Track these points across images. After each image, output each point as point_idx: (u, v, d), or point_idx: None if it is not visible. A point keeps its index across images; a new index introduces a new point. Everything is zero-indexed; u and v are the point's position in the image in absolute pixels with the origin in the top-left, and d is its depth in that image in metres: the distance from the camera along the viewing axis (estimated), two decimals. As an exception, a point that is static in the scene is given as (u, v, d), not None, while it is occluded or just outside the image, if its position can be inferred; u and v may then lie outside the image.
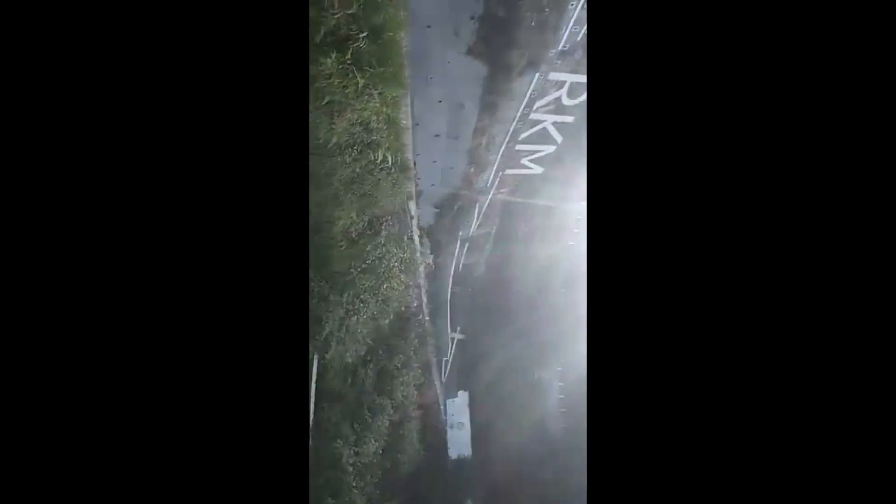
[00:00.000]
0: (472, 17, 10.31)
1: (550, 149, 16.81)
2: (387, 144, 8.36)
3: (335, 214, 8.68)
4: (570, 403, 22.33)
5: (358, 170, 8.16)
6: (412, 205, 11.86)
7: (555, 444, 21.68)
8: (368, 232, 9.76)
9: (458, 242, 19.22)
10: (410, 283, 13.23)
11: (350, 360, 12.94)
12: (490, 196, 18.27)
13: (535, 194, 19.41)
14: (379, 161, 8.29)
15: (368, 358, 14.40)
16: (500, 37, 10.98)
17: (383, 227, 9.85)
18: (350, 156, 7.72)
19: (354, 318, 11.34)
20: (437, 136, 13.35)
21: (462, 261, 20.78)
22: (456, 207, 16.86)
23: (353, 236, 9.53)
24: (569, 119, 15.63)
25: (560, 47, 13.13)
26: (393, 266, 10.85)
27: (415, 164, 12.63)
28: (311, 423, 13.61)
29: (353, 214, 8.99)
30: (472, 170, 15.72)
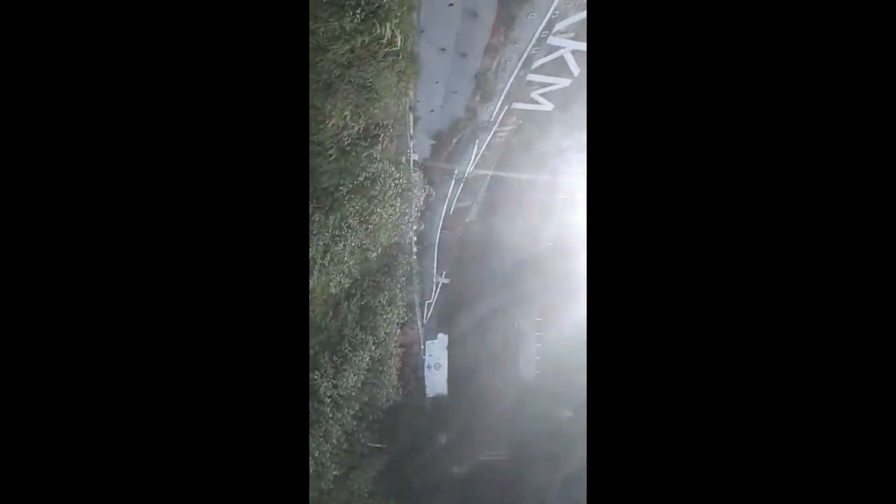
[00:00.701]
0: None
1: (565, 82, 15.12)
2: (397, 16, 6.59)
3: (325, 109, 7.09)
4: (545, 352, 22.46)
5: (358, 48, 6.50)
6: (412, 119, 10.25)
7: (528, 388, 21.95)
8: (363, 143, 8.20)
9: (453, 181, 17.79)
10: (405, 212, 11.86)
11: (334, 290, 11.83)
12: (492, 134, 16.73)
13: (539, 140, 18.06)
14: (385, 40, 6.59)
15: (353, 291, 13.36)
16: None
17: (381, 138, 8.28)
18: (350, 21, 6.03)
19: (341, 244, 10.09)
20: (442, 49, 11.51)
21: (455, 203, 19.56)
22: (455, 141, 15.27)
23: (345, 144, 7.97)
24: (589, 48, 13.81)
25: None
26: (388, 189, 9.43)
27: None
28: (288, 353, 12.81)
29: (347, 114, 7.40)
30: (478, 98, 14.04)
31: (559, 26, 12.71)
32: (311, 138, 7.16)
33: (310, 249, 9.89)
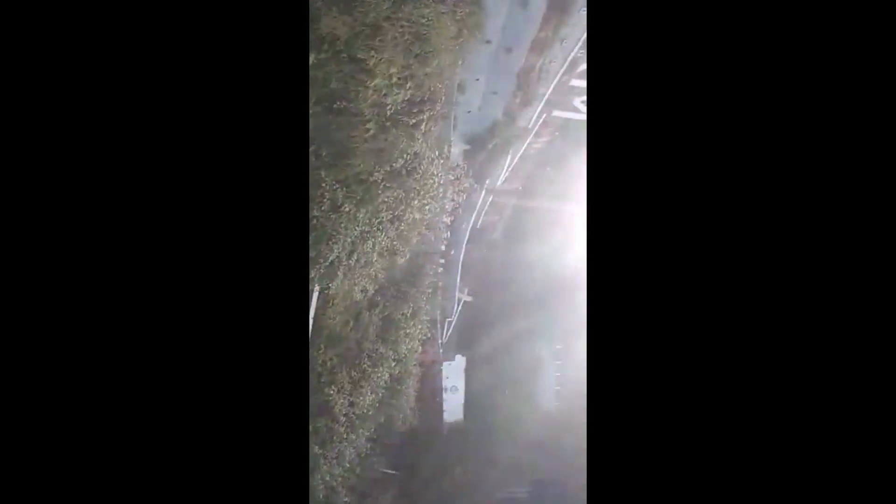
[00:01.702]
0: None
1: (609, 88, 14.01)
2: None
3: (368, 61, 5.79)
4: (565, 382, 20.88)
5: None
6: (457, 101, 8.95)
7: (547, 420, 20.30)
8: (406, 117, 6.90)
9: (483, 192, 16.59)
10: (438, 214, 10.53)
11: (357, 297, 10.47)
12: (527, 143, 15.62)
13: (575, 155, 16.98)
14: None
15: (377, 300, 12.00)
16: None
17: (425, 115, 6.96)
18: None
19: (370, 243, 8.76)
20: (487, 42, 10.51)
21: (483, 216, 18.38)
22: (491, 146, 14.16)
23: (386, 116, 6.67)
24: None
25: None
26: (428, 177, 8.08)
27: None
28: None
29: (394, 71, 6.12)
30: (518, 100, 12.98)
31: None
32: (349, 102, 5.94)
33: (336, 247, 8.60)
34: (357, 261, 9.26)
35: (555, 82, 12.83)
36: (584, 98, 14.22)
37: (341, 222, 8.03)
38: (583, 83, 13.60)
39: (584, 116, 14.94)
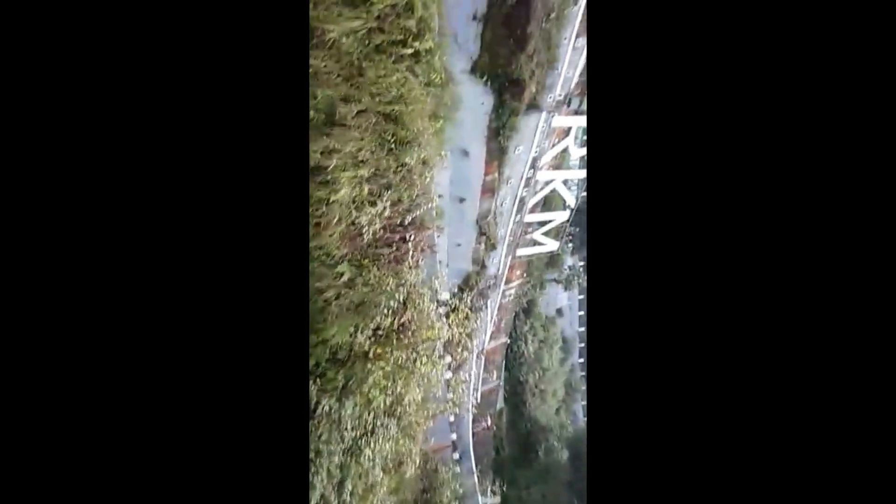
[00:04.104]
0: (473, 17, 8.13)
1: (563, 216, 13.95)
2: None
3: (328, 165, 3.92)
4: None
5: (374, 28, 3.83)
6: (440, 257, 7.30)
7: None
8: (386, 249, 4.88)
9: (474, 357, 14.17)
10: (445, 390, 7.69)
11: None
12: (501, 291, 14.35)
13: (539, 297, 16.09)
14: (413, 30, 3.98)
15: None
16: (503, 48, 8.75)
17: (410, 235, 4.96)
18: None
19: (367, 450, 5.67)
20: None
21: (480, 385, 15.44)
22: (469, 301, 12.56)
23: (363, 250, 4.62)
24: (580, 174, 13.09)
25: (558, 93, 11.36)
26: (424, 331, 5.64)
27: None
28: None
29: (364, 173, 4.14)
30: (483, 246, 12.15)
31: (545, 158, 12.09)
32: (312, 248, 4.05)
33: (318, 477, 5.38)
34: (353, 491, 5.84)
35: (511, 224, 12.43)
36: (543, 229, 13.87)
37: (321, 433, 5.11)
38: (538, 217, 13.40)
39: (546, 247, 14.39)
